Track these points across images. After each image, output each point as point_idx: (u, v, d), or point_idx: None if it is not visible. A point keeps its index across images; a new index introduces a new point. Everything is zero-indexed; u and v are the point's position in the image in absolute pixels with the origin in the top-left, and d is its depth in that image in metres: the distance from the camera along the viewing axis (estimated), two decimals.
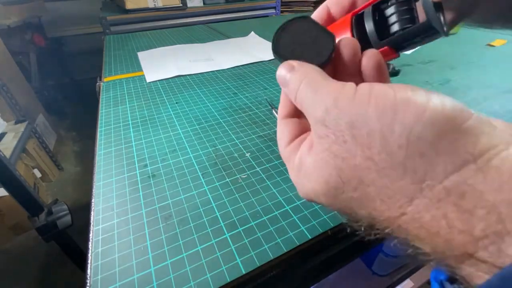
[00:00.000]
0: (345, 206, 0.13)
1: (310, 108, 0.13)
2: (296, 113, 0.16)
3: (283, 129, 0.16)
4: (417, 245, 0.11)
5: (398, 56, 0.18)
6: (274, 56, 0.16)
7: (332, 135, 0.12)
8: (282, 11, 1.69)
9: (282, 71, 0.15)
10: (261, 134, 0.37)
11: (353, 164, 0.12)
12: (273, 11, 1.63)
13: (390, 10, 0.17)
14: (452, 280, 0.11)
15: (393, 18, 0.17)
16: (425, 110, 0.10)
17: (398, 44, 0.17)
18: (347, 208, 0.13)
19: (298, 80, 0.14)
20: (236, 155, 0.33)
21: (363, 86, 0.12)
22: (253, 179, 0.29)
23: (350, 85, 0.12)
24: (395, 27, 0.17)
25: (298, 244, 0.23)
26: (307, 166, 0.14)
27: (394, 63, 0.57)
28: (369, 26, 0.17)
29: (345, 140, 0.12)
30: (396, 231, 0.12)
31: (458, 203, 0.09)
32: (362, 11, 0.18)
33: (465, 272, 0.10)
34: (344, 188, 0.12)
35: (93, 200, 0.28)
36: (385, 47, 0.17)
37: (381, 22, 0.17)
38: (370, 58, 0.15)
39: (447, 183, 0.10)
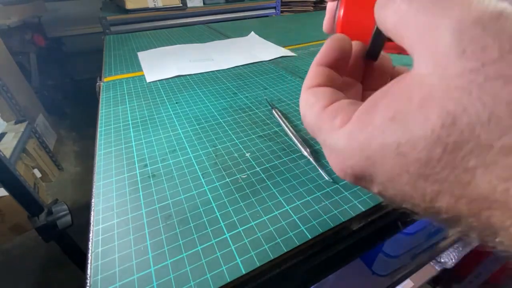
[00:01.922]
0: (430, 167, 0.09)
1: (424, 28, 0.09)
2: (329, 82, 0.14)
3: (315, 94, 0.13)
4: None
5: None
6: None
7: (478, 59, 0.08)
8: (282, 11, 1.69)
9: None
10: (261, 134, 0.37)
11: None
12: (273, 11, 1.63)
13: None
14: None
15: None
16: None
17: None
18: (430, 171, 0.09)
19: None
20: (236, 155, 0.33)
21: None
22: (253, 179, 0.29)
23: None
24: None
25: (298, 244, 0.23)
26: (386, 115, 0.10)
27: None
28: None
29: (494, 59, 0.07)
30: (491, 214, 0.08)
31: None
32: None
33: None
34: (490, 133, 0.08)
35: (93, 200, 0.28)
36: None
37: None
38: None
39: None
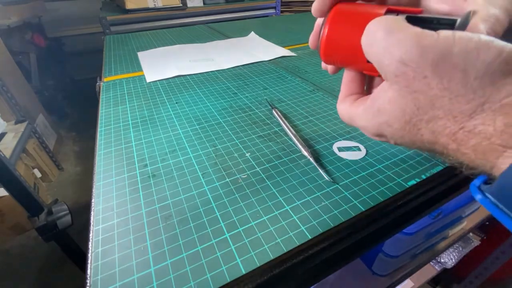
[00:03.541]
0: (413, 130, 0.16)
1: (383, 48, 0.15)
2: (359, 90, 0.21)
3: (348, 102, 0.21)
4: (466, 156, 0.14)
5: None
6: None
7: (411, 73, 0.14)
8: (282, 11, 1.69)
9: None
10: (261, 134, 0.37)
11: (429, 94, 0.14)
12: (273, 11, 1.63)
13: None
14: (486, 182, 0.15)
15: None
16: (502, 51, 0.12)
17: None
18: (414, 132, 0.16)
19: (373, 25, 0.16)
20: (236, 155, 0.33)
21: (444, 31, 0.14)
22: (253, 179, 0.29)
23: (430, 31, 0.14)
24: None
25: (298, 244, 0.23)
26: (382, 104, 0.17)
27: None
28: None
29: (425, 76, 0.14)
30: (451, 145, 0.15)
31: (508, 111, 0.13)
32: (395, 14, 0.17)
33: (500, 165, 0.13)
34: (418, 113, 0.15)
35: (93, 200, 0.28)
36: None
37: None
38: None
39: (504, 101, 0.13)
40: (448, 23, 0.16)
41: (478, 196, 0.15)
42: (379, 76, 0.18)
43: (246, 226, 0.24)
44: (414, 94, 0.15)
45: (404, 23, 0.15)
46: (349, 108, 0.20)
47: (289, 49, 0.73)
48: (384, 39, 0.15)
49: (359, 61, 0.19)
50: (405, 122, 0.16)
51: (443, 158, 0.16)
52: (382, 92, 0.17)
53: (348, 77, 0.22)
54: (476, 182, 0.15)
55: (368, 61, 0.18)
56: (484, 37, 0.13)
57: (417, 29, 0.14)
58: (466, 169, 0.15)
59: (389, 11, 0.17)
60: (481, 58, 0.13)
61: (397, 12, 0.17)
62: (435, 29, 0.15)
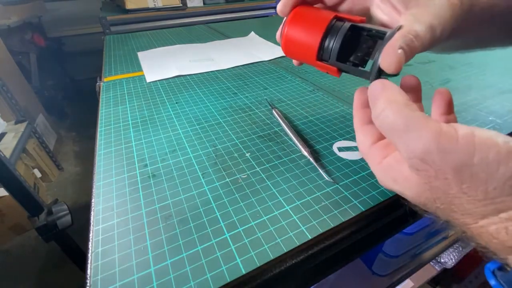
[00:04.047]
0: (427, 207, 0.16)
1: (402, 141, 0.15)
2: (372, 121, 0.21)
3: (366, 134, 0.20)
4: (479, 242, 0.15)
5: (339, 76, 0.21)
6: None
7: (432, 172, 0.14)
8: None
9: (376, 87, 0.17)
10: (261, 134, 0.37)
11: (448, 192, 0.14)
12: (273, 11, 1.63)
13: (359, 39, 0.19)
14: (501, 268, 0.15)
15: (358, 48, 0.20)
16: None
17: (344, 70, 0.20)
18: (429, 209, 0.17)
19: (383, 104, 0.16)
20: (236, 155, 0.33)
21: (464, 130, 0.14)
22: (253, 179, 0.29)
23: (449, 127, 0.14)
24: (352, 56, 0.20)
25: (298, 244, 0.23)
26: (398, 177, 0.17)
27: None
28: (337, 42, 0.19)
29: (446, 178, 0.14)
30: (467, 231, 0.15)
31: None
32: (341, 22, 0.20)
33: (510, 261, 0.14)
34: (434, 202, 0.16)
35: (93, 200, 0.28)
36: (335, 68, 0.20)
37: (346, 42, 0.19)
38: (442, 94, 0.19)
39: None
40: (380, 35, 0.18)
41: (492, 282, 0.15)
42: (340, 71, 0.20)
43: (246, 226, 0.24)
44: (434, 188, 0.15)
45: (419, 114, 0.15)
46: (379, 166, 0.19)
47: None
48: (403, 132, 0.15)
49: (311, 59, 0.21)
50: (420, 202, 0.17)
51: None
52: (399, 165, 0.17)
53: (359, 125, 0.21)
54: (491, 266, 0.16)
55: (319, 60, 0.20)
56: (504, 146, 0.13)
57: (436, 126, 0.14)
58: (481, 250, 0.15)
59: (336, 18, 0.20)
60: (501, 171, 0.13)
61: (344, 20, 0.20)
62: (371, 36, 0.19)
